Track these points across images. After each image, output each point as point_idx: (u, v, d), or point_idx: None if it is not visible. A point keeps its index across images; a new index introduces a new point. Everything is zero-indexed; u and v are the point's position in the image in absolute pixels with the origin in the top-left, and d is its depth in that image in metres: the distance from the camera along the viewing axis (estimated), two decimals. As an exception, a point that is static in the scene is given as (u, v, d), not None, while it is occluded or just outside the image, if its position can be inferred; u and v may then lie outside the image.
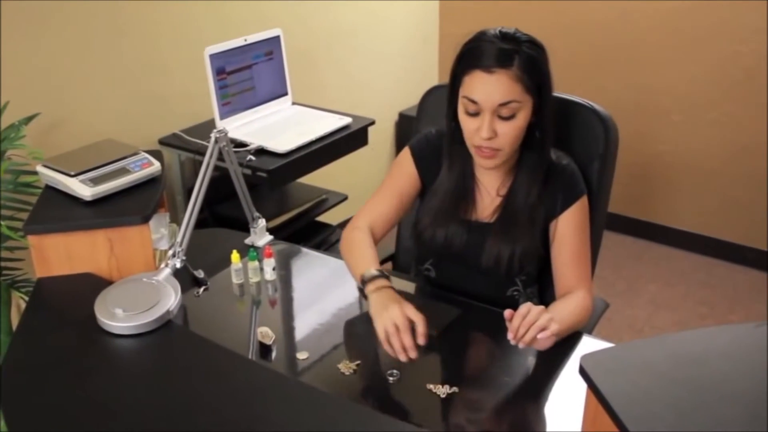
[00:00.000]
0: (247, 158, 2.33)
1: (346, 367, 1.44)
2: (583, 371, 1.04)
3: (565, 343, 1.49)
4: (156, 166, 1.76)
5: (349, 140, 2.62)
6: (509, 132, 1.51)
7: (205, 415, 1.22)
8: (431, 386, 1.38)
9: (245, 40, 2.51)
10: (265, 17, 2.87)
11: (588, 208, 1.64)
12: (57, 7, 2.22)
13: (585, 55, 3.49)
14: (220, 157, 1.70)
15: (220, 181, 1.96)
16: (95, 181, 1.66)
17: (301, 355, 1.50)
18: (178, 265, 1.59)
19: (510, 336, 1.37)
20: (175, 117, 2.63)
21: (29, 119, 2.06)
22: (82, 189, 1.65)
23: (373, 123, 2.71)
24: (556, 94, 1.59)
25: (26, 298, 1.88)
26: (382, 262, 2.03)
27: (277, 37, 2.63)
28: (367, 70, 3.56)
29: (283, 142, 2.41)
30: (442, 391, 1.37)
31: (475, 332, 1.61)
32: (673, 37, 3.28)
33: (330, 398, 1.30)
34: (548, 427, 1.34)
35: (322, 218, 2.80)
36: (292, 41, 2.75)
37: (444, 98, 1.62)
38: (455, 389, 1.38)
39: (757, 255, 3.38)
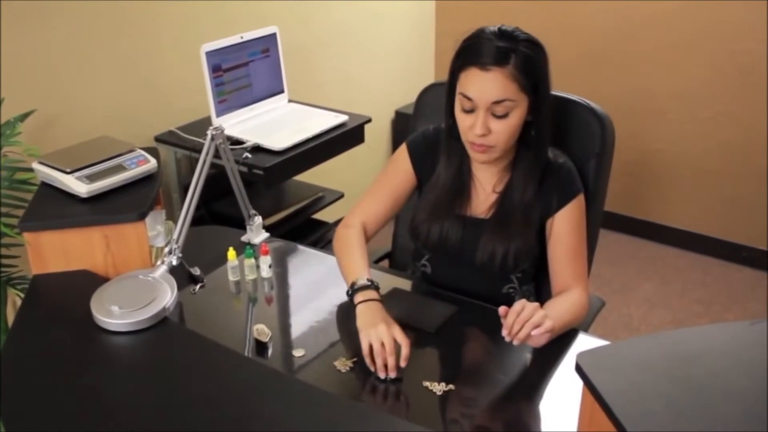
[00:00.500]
0: (244, 156, 2.33)
1: (343, 364, 1.44)
2: (579, 368, 1.05)
3: (561, 340, 1.49)
4: (152, 163, 1.76)
5: (345, 138, 2.62)
6: (503, 130, 1.51)
7: (201, 412, 1.22)
8: (427, 383, 1.39)
9: (241, 38, 2.51)
10: (261, 15, 2.86)
11: (584, 207, 1.64)
12: (53, 5, 2.21)
13: (580, 54, 3.50)
14: (217, 155, 1.70)
15: (217, 178, 1.96)
16: (91, 178, 1.66)
17: (298, 353, 1.50)
18: (175, 263, 1.59)
19: (504, 332, 1.37)
20: (171, 114, 2.63)
21: (25, 116, 2.05)
22: (78, 186, 1.65)
23: (369, 121, 2.71)
24: (553, 92, 1.59)
25: (22, 296, 1.88)
26: (379, 260, 2.04)
27: (274, 35, 2.62)
28: (364, 67, 3.55)
29: (279, 140, 2.41)
30: (439, 388, 1.38)
31: (472, 330, 1.61)
32: (668, 36, 3.29)
33: (326, 395, 1.30)
34: (544, 424, 1.34)
35: (319, 216, 2.80)
36: (288, 39, 2.74)
37: (440, 96, 1.62)
38: (451, 387, 1.38)
39: (752, 253, 3.39)
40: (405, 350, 1.40)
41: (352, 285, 1.54)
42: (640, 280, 3.37)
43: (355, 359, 1.45)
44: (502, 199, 1.64)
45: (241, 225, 1.93)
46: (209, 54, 2.40)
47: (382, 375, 1.40)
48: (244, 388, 1.29)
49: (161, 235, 1.74)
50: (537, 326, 1.36)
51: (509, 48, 1.47)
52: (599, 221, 1.80)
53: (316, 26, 3.20)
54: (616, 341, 1.19)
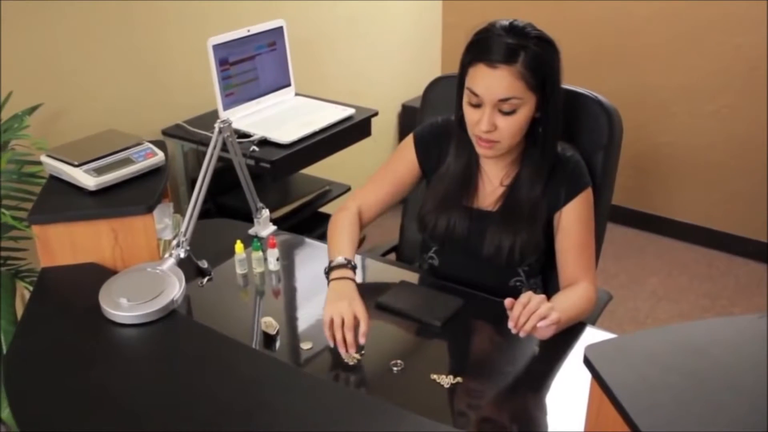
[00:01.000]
0: (251, 149, 2.33)
1: (350, 357, 1.45)
2: (587, 361, 1.05)
3: (569, 333, 1.49)
4: (160, 156, 1.76)
5: (352, 131, 2.62)
6: (509, 127, 1.51)
7: (208, 404, 1.23)
8: (435, 376, 1.39)
9: (248, 31, 2.50)
10: (268, 8, 2.86)
11: (592, 200, 1.64)
12: (60, -2, 2.22)
13: (586, 48, 3.48)
14: (224, 148, 1.70)
15: (224, 171, 1.96)
16: (99, 171, 1.67)
17: (305, 345, 1.50)
18: (182, 255, 1.60)
19: (511, 324, 1.37)
20: (178, 107, 2.63)
21: (33, 109, 2.06)
22: (85, 179, 1.65)
23: (376, 114, 2.71)
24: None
25: (30, 288, 1.89)
26: (386, 253, 2.04)
27: (280, 28, 2.62)
28: (371, 60, 3.55)
29: (286, 133, 2.41)
30: (446, 381, 1.38)
31: (479, 322, 1.62)
32: (674, 30, 3.28)
33: (334, 387, 1.31)
34: (552, 417, 1.34)
35: (326, 209, 2.80)
36: (295, 32, 2.74)
37: (447, 89, 1.62)
38: (459, 379, 1.38)
39: (758, 247, 3.38)
40: (363, 326, 1.43)
41: (330, 263, 1.57)
42: (647, 274, 3.37)
43: (362, 352, 1.45)
44: (510, 193, 1.64)
45: (248, 218, 1.93)
46: (216, 47, 2.40)
47: (341, 350, 1.42)
48: (252, 381, 1.29)
49: (169, 228, 1.75)
50: (543, 318, 1.36)
51: (519, 45, 1.46)
52: (606, 214, 1.79)
53: (323, 19, 3.20)
54: (624, 334, 1.19)
